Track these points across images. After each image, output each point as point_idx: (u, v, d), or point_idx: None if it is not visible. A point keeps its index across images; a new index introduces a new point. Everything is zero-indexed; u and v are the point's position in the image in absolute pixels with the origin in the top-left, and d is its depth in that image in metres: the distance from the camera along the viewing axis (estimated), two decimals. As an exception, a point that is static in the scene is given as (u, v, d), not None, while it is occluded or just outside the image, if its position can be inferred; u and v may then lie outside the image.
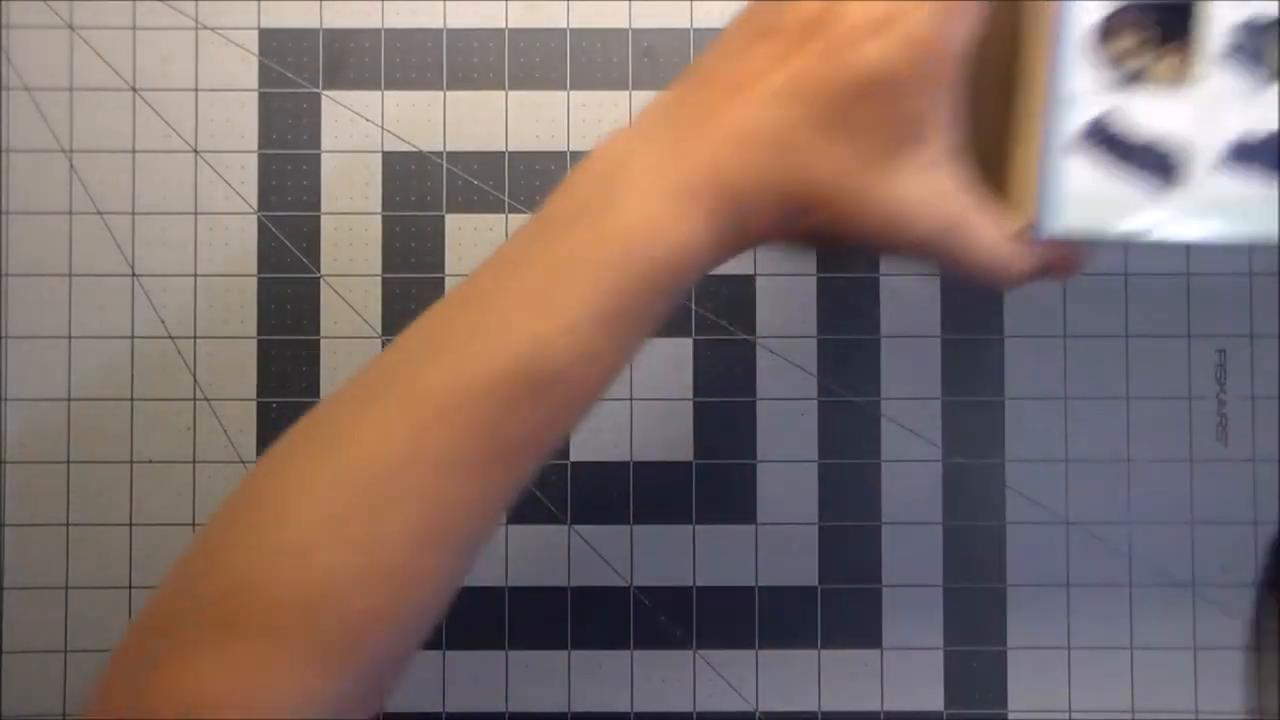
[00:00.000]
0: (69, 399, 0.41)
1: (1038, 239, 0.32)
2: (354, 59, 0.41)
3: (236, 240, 0.41)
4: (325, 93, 0.41)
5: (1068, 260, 0.33)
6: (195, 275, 0.41)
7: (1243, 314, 0.41)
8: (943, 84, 0.30)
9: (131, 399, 0.41)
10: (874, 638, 0.41)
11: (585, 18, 0.41)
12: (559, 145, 0.41)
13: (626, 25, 0.41)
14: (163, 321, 0.41)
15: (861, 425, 0.41)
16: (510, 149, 0.41)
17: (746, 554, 0.41)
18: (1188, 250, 0.41)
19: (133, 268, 0.41)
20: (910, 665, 0.41)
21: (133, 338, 0.41)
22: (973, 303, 0.41)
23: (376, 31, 0.41)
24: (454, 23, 0.41)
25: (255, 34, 0.41)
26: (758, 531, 0.41)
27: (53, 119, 0.41)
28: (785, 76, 0.30)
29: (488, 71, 0.41)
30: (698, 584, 0.41)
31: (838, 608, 0.41)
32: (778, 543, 0.41)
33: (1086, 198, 0.31)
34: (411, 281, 0.41)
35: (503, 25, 0.41)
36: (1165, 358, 0.41)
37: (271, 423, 0.41)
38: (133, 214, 0.41)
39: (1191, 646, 0.41)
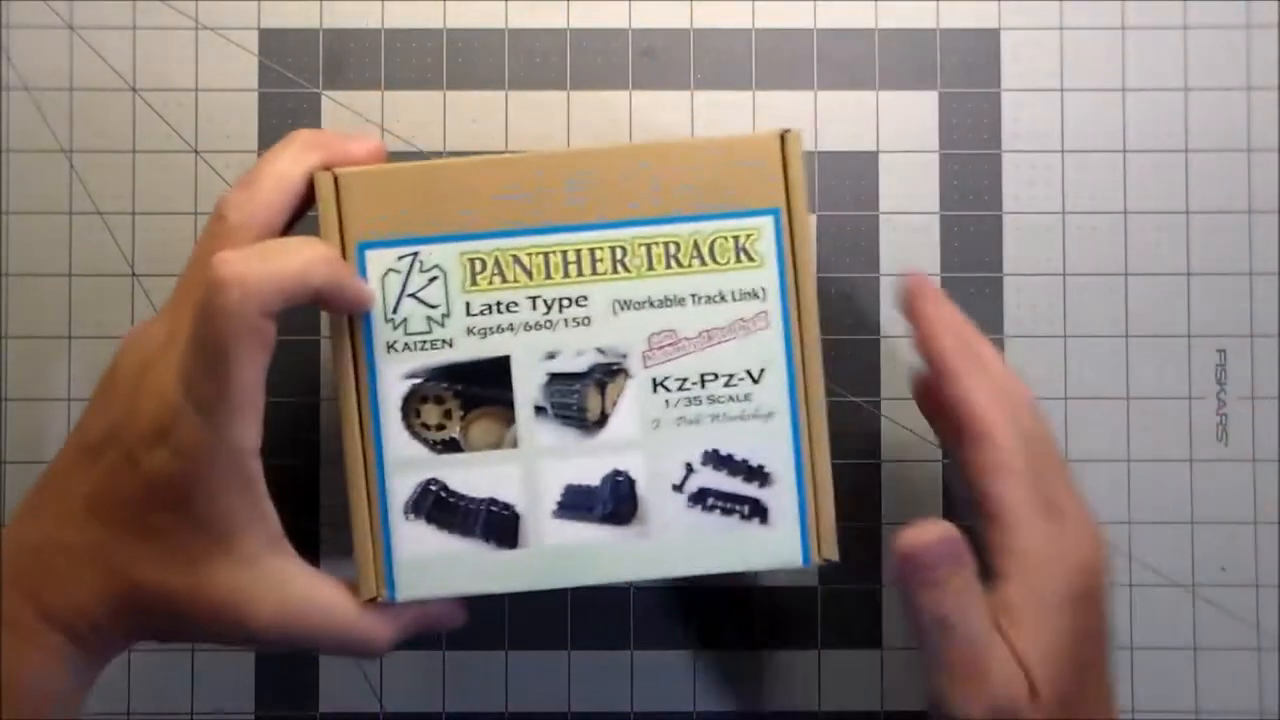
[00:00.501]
0: (69, 399, 0.41)
1: (389, 605, 0.32)
2: (354, 59, 0.41)
3: (236, 240, 0.41)
4: (325, 93, 0.41)
5: (442, 618, 0.34)
6: (195, 275, 0.41)
7: (1243, 314, 0.41)
8: (237, 481, 0.30)
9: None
10: (874, 638, 0.41)
11: (585, 18, 0.41)
12: (559, 145, 0.41)
13: (626, 25, 0.41)
14: (163, 321, 0.41)
15: (862, 425, 0.41)
16: (510, 149, 0.41)
17: (746, 554, 0.41)
18: (1187, 250, 0.41)
19: (133, 268, 0.41)
20: (910, 665, 0.41)
21: (133, 338, 0.41)
22: (973, 301, 0.41)
23: (376, 31, 0.41)
24: (454, 23, 0.41)
25: (255, 34, 0.41)
26: (758, 531, 0.41)
27: (53, 119, 0.41)
28: (91, 494, 0.31)
29: (488, 71, 0.41)
30: (698, 584, 0.41)
31: (838, 608, 0.41)
32: (778, 543, 0.41)
33: (427, 563, 0.32)
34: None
35: (503, 25, 0.41)
36: (1165, 358, 0.41)
37: (270, 423, 0.41)
38: (133, 214, 0.41)
39: (1191, 646, 0.41)
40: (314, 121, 0.41)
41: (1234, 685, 0.41)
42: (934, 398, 0.34)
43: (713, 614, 0.41)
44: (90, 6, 0.41)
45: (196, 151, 0.41)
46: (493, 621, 0.41)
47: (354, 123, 0.41)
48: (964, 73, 0.41)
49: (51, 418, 0.41)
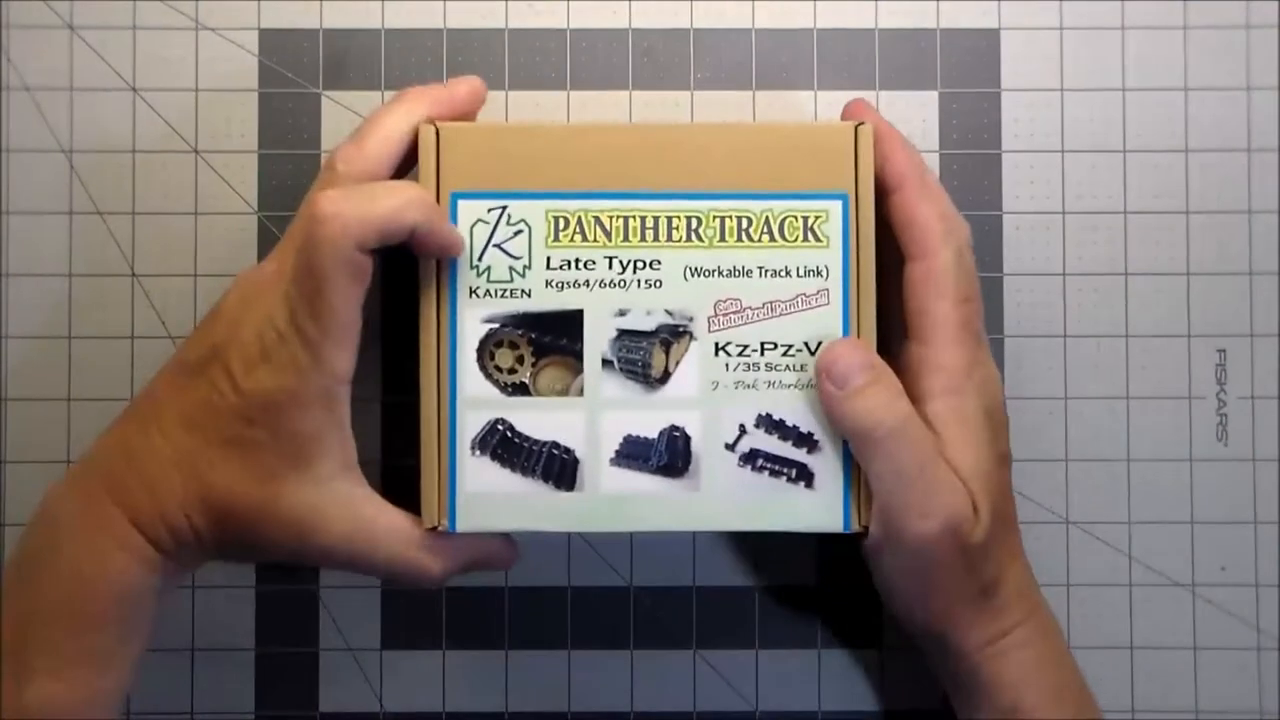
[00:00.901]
0: (69, 399, 0.41)
1: (448, 537, 0.34)
2: (354, 59, 0.41)
3: (236, 240, 0.41)
4: (325, 93, 0.41)
5: (495, 555, 0.35)
6: (195, 275, 0.41)
7: (1243, 314, 0.41)
8: (326, 404, 0.33)
9: (131, 399, 0.41)
10: (874, 638, 0.41)
11: (585, 18, 0.41)
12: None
13: (626, 25, 0.41)
14: (163, 321, 0.41)
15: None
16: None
17: (747, 554, 0.41)
18: (1187, 250, 0.41)
19: (133, 268, 0.41)
20: (910, 665, 0.41)
21: (133, 338, 0.41)
22: (973, 303, 0.41)
23: (376, 31, 0.41)
24: (454, 23, 0.41)
25: (255, 34, 0.41)
26: (758, 531, 0.41)
27: (53, 119, 0.41)
28: (187, 407, 0.33)
29: (488, 71, 0.41)
30: (698, 584, 0.41)
31: (838, 608, 0.41)
32: (777, 543, 0.41)
33: (488, 498, 0.34)
34: (413, 282, 0.41)
35: (503, 25, 0.41)
36: (1165, 358, 0.41)
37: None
38: (133, 214, 0.41)
39: (1191, 646, 0.41)
40: (314, 121, 0.41)
41: (1234, 685, 0.41)
42: (882, 218, 0.35)
43: (713, 614, 0.41)
44: (90, 6, 0.41)
45: (196, 151, 0.41)
46: (493, 621, 0.41)
47: (354, 123, 0.41)
48: (964, 73, 0.41)
49: (51, 418, 0.41)
